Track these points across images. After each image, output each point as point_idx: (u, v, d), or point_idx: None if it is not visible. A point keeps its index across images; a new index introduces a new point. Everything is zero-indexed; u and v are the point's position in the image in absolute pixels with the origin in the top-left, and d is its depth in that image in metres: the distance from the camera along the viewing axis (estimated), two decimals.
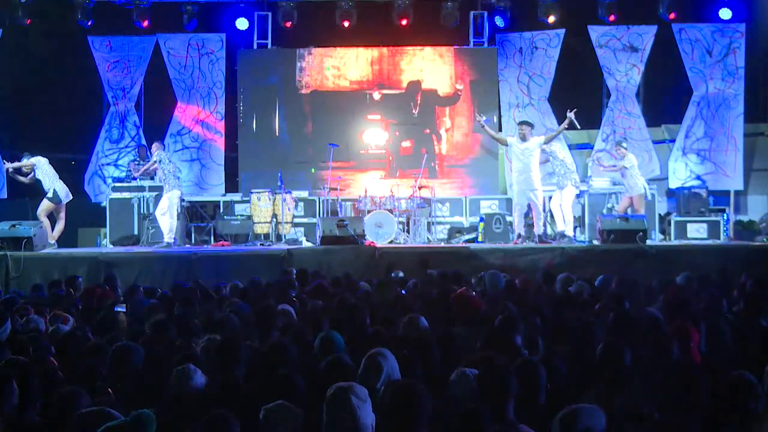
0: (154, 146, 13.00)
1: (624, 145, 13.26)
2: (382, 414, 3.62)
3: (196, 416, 3.66)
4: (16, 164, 13.01)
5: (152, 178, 13.88)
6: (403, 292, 8.00)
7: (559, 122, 15.27)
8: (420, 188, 13.61)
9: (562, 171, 12.54)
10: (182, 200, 13.45)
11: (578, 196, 13.18)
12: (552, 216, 12.92)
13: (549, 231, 13.29)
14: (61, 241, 13.03)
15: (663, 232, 14.13)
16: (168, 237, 12.54)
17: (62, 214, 12.90)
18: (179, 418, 3.90)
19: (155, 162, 12.77)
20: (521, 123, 12.61)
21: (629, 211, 12.88)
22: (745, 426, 3.69)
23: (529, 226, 12.74)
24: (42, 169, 12.84)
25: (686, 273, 8.63)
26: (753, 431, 3.70)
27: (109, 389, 4.38)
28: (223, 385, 4.15)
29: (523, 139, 12.18)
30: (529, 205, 12.38)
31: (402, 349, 4.61)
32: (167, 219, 12.62)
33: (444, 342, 5.07)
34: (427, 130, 15.56)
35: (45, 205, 12.81)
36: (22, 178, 13.06)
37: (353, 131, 15.56)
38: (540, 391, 4.08)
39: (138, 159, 14.67)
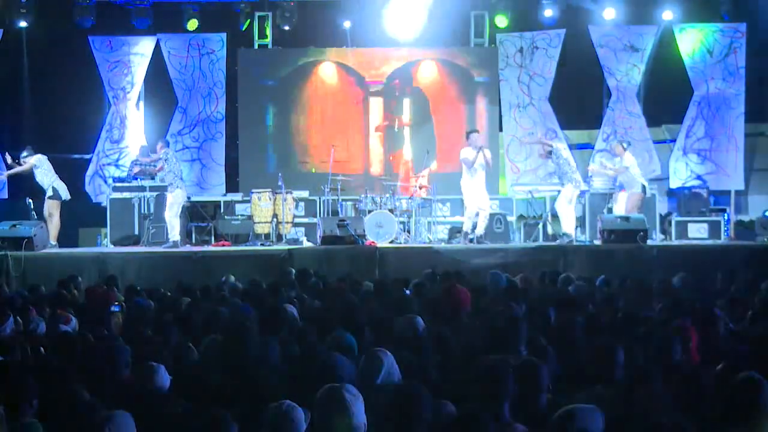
0: (159, 145, 12.93)
1: (624, 145, 13.20)
2: (382, 416, 3.62)
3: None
4: (17, 169, 12.96)
5: (153, 178, 13.87)
6: (408, 292, 7.98)
7: (560, 123, 15.36)
8: (420, 188, 13.59)
9: (564, 170, 12.48)
10: (189, 198, 13.46)
11: (579, 195, 13.16)
12: (555, 216, 12.92)
13: (550, 231, 13.29)
14: (62, 241, 13.02)
15: (664, 232, 14.11)
16: (173, 236, 12.50)
17: (57, 212, 12.85)
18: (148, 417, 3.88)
19: (161, 160, 12.66)
20: (474, 131, 12.70)
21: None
22: (758, 424, 3.68)
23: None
24: (42, 168, 12.82)
25: (682, 273, 8.62)
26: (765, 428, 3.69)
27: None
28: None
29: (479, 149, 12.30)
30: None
31: (398, 349, 4.61)
32: (174, 219, 12.56)
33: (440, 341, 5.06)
34: (428, 130, 15.56)
35: (48, 205, 12.80)
36: (19, 169, 12.99)
37: (353, 131, 15.57)
38: (540, 392, 4.07)
39: (138, 158, 14.60)
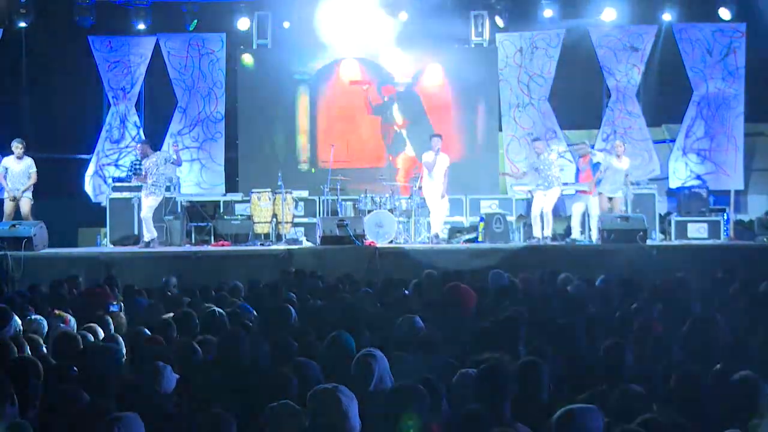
0: (144, 147, 12.93)
1: (626, 145, 13.32)
2: (380, 417, 3.62)
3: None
4: (32, 181, 12.83)
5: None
6: (406, 292, 7.99)
7: (560, 122, 15.36)
8: (420, 189, 13.59)
9: (555, 173, 12.57)
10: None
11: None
12: (555, 216, 12.96)
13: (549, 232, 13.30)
14: (62, 241, 13.03)
15: (663, 231, 14.11)
16: (149, 237, 12.54)
17: None
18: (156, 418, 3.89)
19: (151, 161, 12.60)
20: (435, 136, 12.96)
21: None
22: (757, 424, 3.68)
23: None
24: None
25: (679, 274, 8.63)
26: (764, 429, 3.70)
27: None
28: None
29: (437, 152, 12.68)
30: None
31: (396, 349, 4.61)
32: (150, 219, 12.57)
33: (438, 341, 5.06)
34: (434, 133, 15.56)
35: (32, 206, 12.79)
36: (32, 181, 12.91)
37: (353, 131, 15.57)
38: (542, 392, 4.07)
39: (139, 160, 14.56)
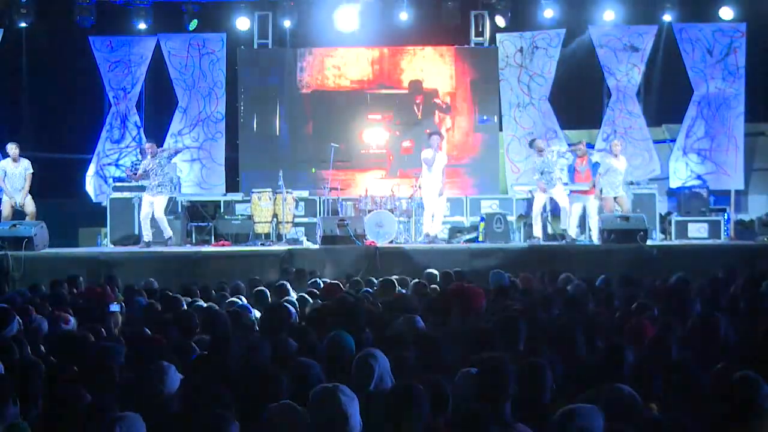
0: (153, 146, 12.95)
1: (624, 144, 13.36)
2: (380, 417, 3.62)
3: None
4: (28, 184, 12.88)
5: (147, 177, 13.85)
6: (405, 292, 8.00)
7: (560, 122, 15.37)
8: (420, 188, 13.60)
9: (557, 174, 12.62)
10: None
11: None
12: (555, 216, 12.97)
13: (550, 231, 13.30)
14: (62, 241, 13.03)
15: (664, 231, 14.12)
16: (168, 232, 12.61)
17: None
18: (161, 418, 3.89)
19: (155, 162, 12.64)
20: (434, 134, 13.02)
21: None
22: (757, 424, 3.68)
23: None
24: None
25: (679, 274, 8.63)
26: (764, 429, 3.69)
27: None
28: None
29: (436, 150, 12.70)
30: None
31: (397, 348, 4.61)
32: (164, 218, 12.65)
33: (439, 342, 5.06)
34: (428, 130, 15.55)
35: (34, 204, 12.82)
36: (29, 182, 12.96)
37: (354, 131, 15.59)
38: (544, 392, 4.07)
39: (139, 160, 14.55)
